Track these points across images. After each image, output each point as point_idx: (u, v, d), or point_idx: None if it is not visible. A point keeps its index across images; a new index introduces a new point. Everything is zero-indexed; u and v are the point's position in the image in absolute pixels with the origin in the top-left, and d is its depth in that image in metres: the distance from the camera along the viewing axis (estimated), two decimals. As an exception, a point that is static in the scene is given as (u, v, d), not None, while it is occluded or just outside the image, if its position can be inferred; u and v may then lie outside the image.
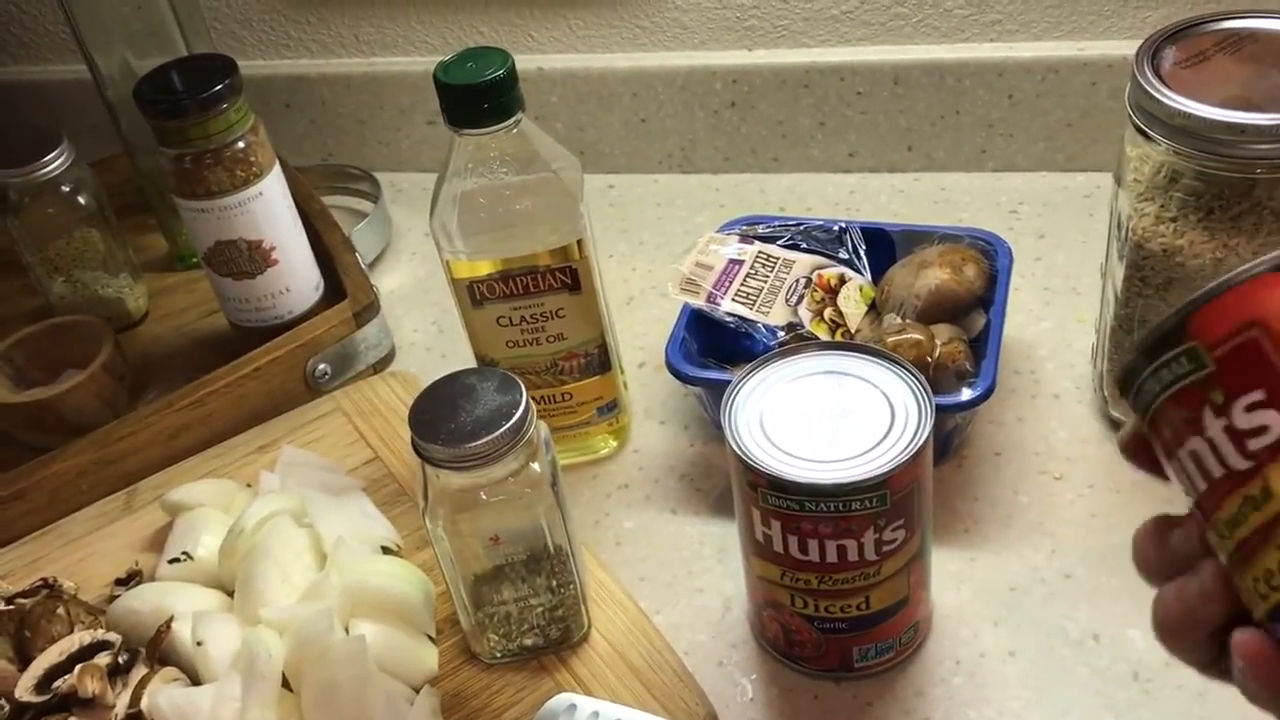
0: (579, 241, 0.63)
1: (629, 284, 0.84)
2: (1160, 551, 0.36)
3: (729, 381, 0.55)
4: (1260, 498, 0.32)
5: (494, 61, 0.58)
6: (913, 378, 0.53)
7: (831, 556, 0.52)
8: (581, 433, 0.70)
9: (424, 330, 0.82)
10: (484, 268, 0.63)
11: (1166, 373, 0.34)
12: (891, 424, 0.51)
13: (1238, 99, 0.55)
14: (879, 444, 0.50)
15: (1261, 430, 0.31)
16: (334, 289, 0.79)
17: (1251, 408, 0.31)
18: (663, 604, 0.63)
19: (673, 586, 0.64)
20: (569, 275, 0.63)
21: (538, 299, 0.63)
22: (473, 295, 0.64)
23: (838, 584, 0.53)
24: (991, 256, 0.69)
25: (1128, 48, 0.80)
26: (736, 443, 0.52)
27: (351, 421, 0.73)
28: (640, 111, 0.91)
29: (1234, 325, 0.32)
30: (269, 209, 0.73)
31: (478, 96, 0.58)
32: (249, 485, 0.68)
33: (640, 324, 0.80)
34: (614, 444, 0.72)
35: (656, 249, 0.87)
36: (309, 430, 0.72)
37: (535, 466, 0.54)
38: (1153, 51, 0.58)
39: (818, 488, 0.49)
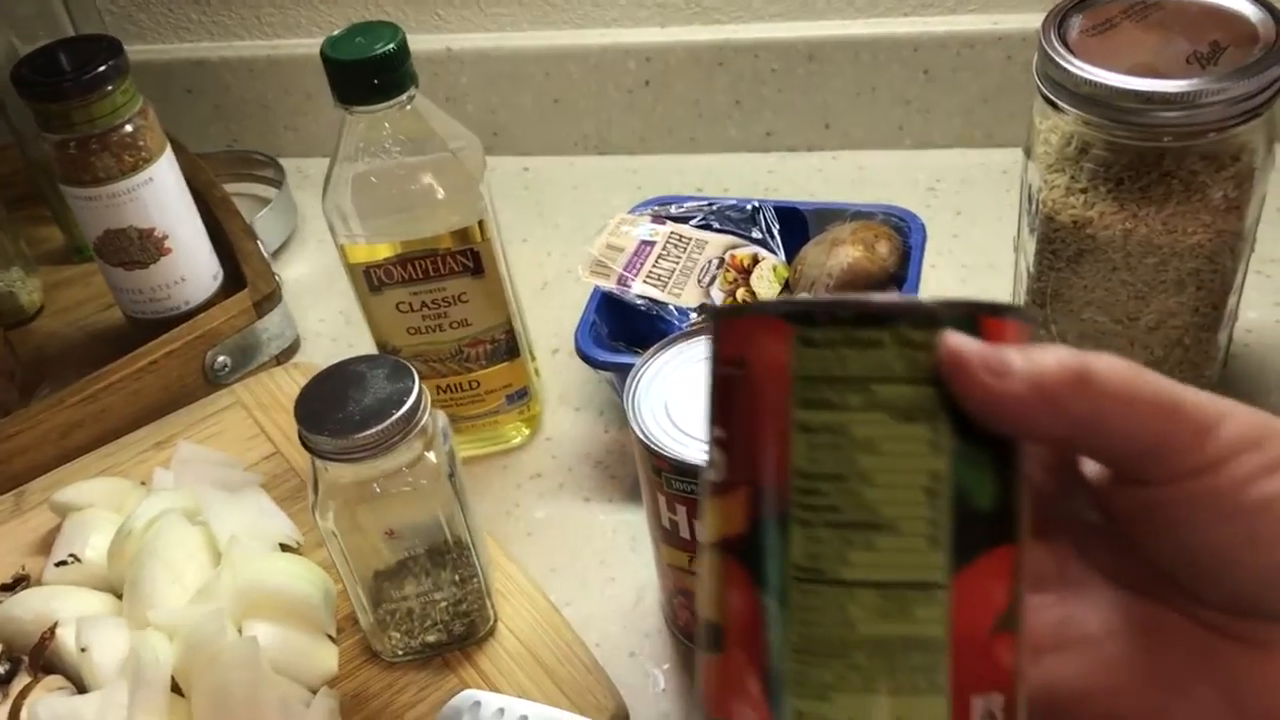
0: (480, 223, 0.61)
1: (544, 269, 0.82)
2: None
3: (632, 364, 0.53)
4: (705, 518, 0.31)
5: (383, 36, 0.56)
6: (819, 356, 0.51)
7: (738, 542, 0.50)
8: (490, 421, 0.68)
9: (330, 320, 0.80)
10: (382, 251, 0.60)
11: (709, 353, 0.32)
12: (797, 404, 0.50)
13: (1145, 67, 0.54)
14: (784, 425, 0.49)
15: (715, 465, 0.30)
16: (236, 279, 0.77)
17: (717, 441, 0.30)
18: (574, 595, 0.61)
19: (584, 577, 0.62)
20: (470, 258, 0.61)
21: (439, 283, 0.61)
22: (370, 281, 0.61)
23: (746, 570, 0.51)
24: (905, 233, 0.68)
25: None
26: (640, 427, 0.50)
27: (252, 415, 0.70)
28: (553, 92, 0.89)
29: (732, 353, 0.30)
30: (160, 196, 0.70)
31: (367, 72, 0.56)
32: (143, 483, 0.65)
33: (554, 309, 0.78)
34: (526, 432, 0.70)
35: (572, 232, 0.85)
36: (207, 425, 0.70)
37: (431, 457, 0.52)
38: (1060, 20, 0.57)
39: (720, 471, 0.48)
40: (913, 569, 0.28)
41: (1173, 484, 0.29)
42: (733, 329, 0.30)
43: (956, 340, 0.28)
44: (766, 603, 0.28)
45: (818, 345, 0.28)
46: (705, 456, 0.31)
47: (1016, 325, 0.30)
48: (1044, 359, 0.29)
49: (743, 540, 0.29)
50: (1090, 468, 0.33)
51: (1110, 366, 0.29)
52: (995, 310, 0.29)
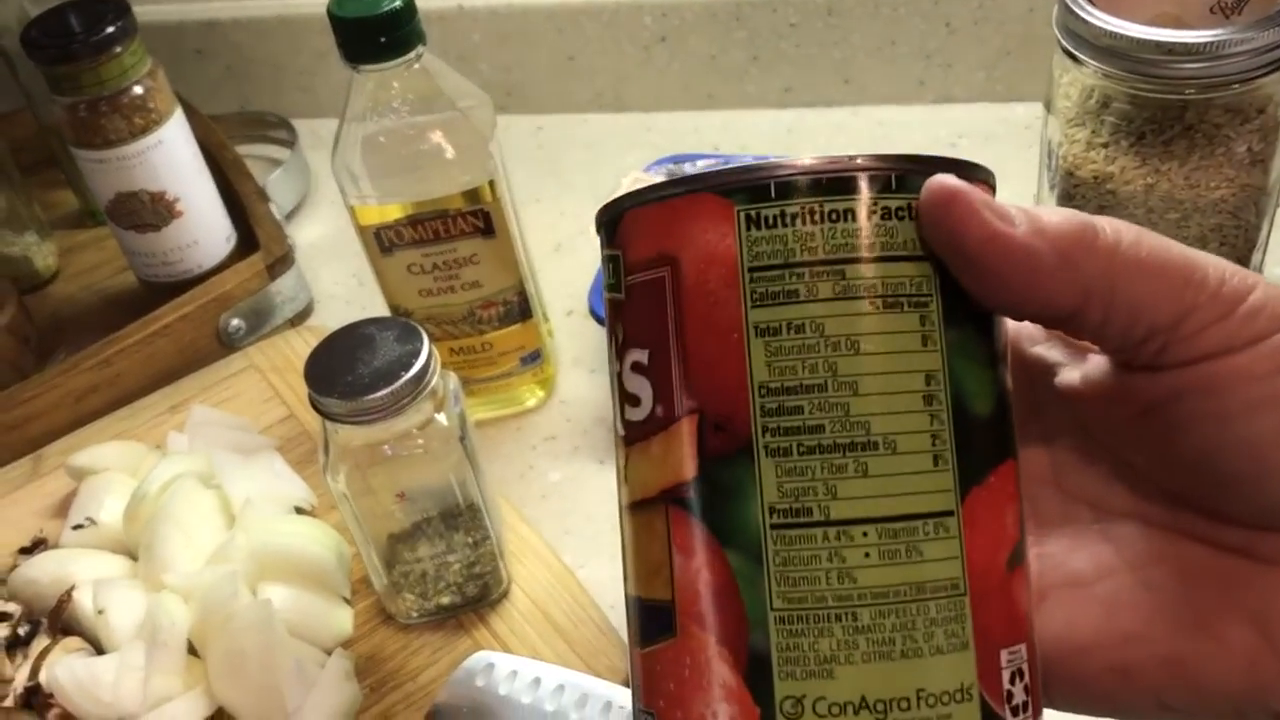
0: (491, 182, 0.60)
1: (557, 229, 0.81)
2: None
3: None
4: (622, 474, 0.25)
5: (390, -8, 0.55)
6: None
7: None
8: (504, 384, 0.67)
9: (344, 282, 0.79)
10: (392, 212, 0.60)
11: (605, 266, 0.26)
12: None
13: (1167, 17, 0.53)
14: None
15: (635, 401, 0.25)
16: (249, 241, 0.76)
17: (636, 368, 0.25)
18: (588, 557, 0.61)
19: (598, 539, 0.62)
20: (481, 219, 0.60)
21: (449, 244, 0.61)
22: (381, 242, 0.61)
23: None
24: (923, 190, 0.67)
25: (1065, -29, 0.77)
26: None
27: (266, 378, 0.70)
28: (567, 49, 0.88)
29: (651, 252, 0.24)
30: (170, 158, 0.70)
31: (374, 29, 0.55)
32: (158, 447, 0.66)
33: (568, 270, 0.77)
34: (540, 394, 0.69)
35: (586, 192, 0.84)
36: (222, 389, 0.70)
37: (441, 419, 0.51)
38: (1080, -31, 0.56)
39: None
40: (919, 496, 0.23)
41: (1194, 366, 0.24)
42: (649, 221, 0.24)
43: (949, 179, 0.23)
44: (734, 562, 0.23)
45: (771, 224, 0.23)
46: (615, 400, 0.25)
47: (989, 189, 0.25)
48: (1045, 213, 0.24)
49: (689, 487, 0.23)
50: (1067, 377, 0.28)
51: (1120, 225, 0.24)
52: (968, 169, 0.25)
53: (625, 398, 0.25)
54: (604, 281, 0.27)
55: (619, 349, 0.25)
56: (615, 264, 0.25)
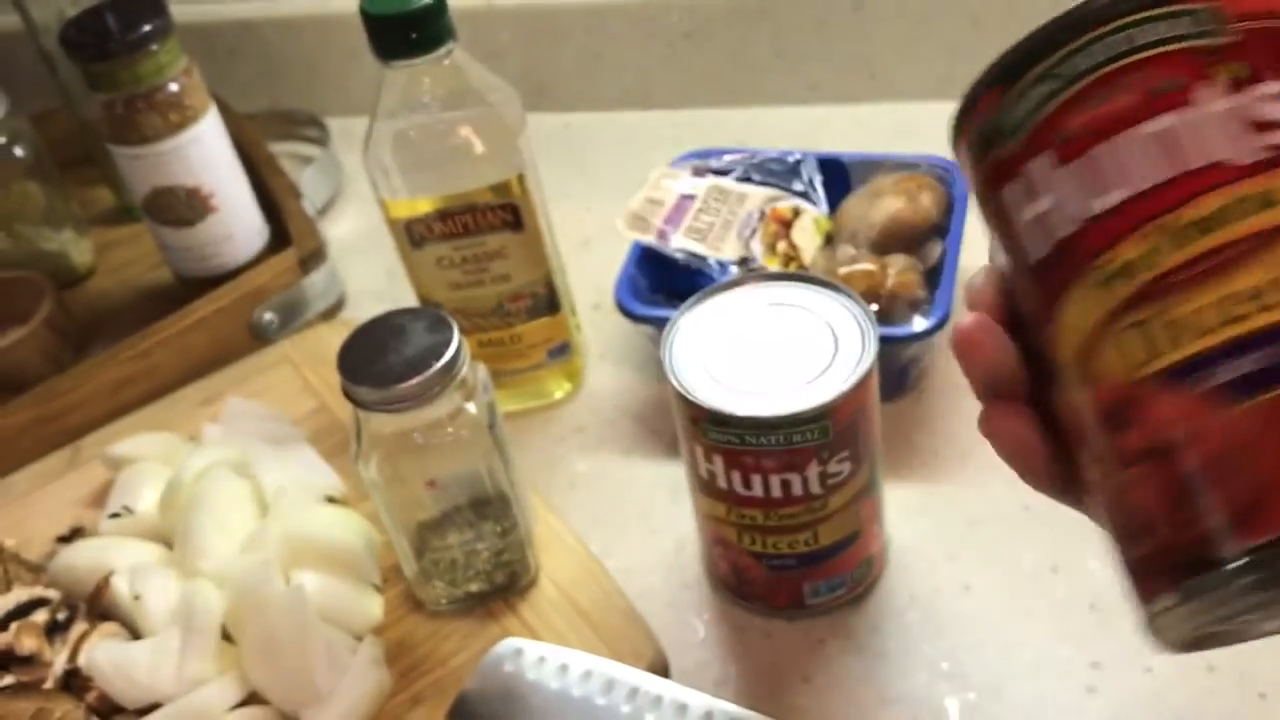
0: (519, 176, 0.61)
1: (584, 224, 0.82)
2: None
3: (671, 316, 0.53)
4: (1260, 200, 0.26)
5: (421, -11, 0.56)
6: (856, 306, 0.51)
7: (776, 491, 0.50)
8: (533, 376, 0.68)
9: (375, 277, 0.80)
10: (422, 206, 0.61)
11: (1151, 29, 0.28)
12: (835, 354, 0.50)
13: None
14: (821, 375, 0.49)
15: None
16: (282, 237, 0.77)
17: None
18: (615, 546, 0.61)
19: (625, 529, 0.62)
20: (510, 212, 0.61)
21: (479, 238, 0.62)
22: (411, 236, 0.62)
23: (784, 519, 0.52)
24: (948, 184, 0.67)
25: (1091, -34, 0.77)
26: (675, 377, 0.50)
27: (299, 371, 0.71)
28: (594, 46, 0.89)
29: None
30: (205, 153, 0.71)
31: (405, 25, 0.56)
32: (193, 438, 0.67)
33: (596, 264, 0.78)
34: (568, 387, 0.70)
35: (613, 188, 0.85)
36: (256, 381, 0.71)
37: (471, 408, 0.52)
38: (1105, -38, 0.56)
39: (757, 420, 0.48)
40: None
41: None
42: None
43: None
44: None
45: None
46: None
47: None
48: None
49: None
50: None
51: None
52: None
53: (1258, 125, 0.27)
54: (1118, 45, 0.28)
55: (1235, 83, 0.27)
56: (1202, 14, 0.27)
